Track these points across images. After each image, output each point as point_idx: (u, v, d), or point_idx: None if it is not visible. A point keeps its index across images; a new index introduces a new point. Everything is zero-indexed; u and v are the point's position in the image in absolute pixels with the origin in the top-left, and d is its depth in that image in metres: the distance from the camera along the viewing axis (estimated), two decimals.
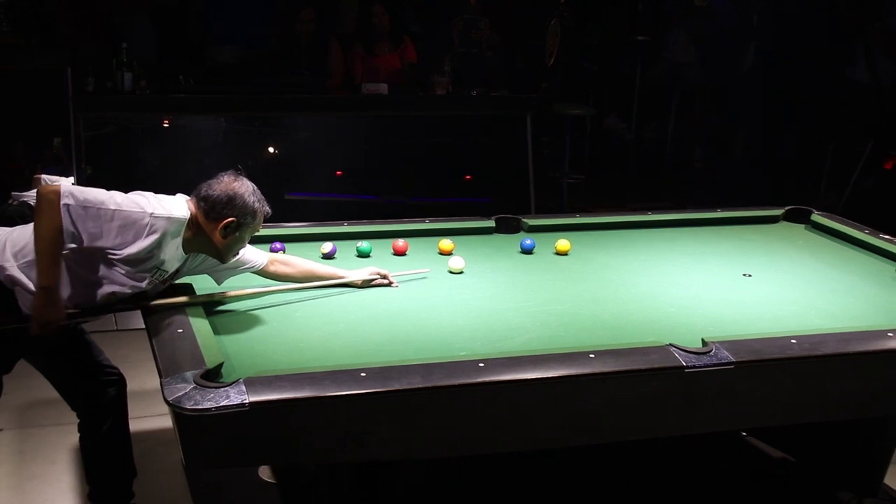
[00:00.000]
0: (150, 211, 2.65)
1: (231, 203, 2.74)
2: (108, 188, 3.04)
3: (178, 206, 2.73)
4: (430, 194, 6.19)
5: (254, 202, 2.78)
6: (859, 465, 3.41)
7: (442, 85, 6.43)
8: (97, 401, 3.01)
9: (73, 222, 2.58)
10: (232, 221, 2.74)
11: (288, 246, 3.42)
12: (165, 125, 5.88)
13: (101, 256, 2.67)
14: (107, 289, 2.72)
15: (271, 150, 6.09)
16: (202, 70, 6.23)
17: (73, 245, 2.62)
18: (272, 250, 3.39)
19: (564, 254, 3.57)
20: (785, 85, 7.86)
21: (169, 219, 2.67)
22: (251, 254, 3.02)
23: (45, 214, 2.58)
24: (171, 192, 3.50)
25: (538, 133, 6.77)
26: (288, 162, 6.06)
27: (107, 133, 5.67)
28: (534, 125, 6.45)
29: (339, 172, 6.20)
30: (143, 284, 2.75)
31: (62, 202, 2.56)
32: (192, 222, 2.75)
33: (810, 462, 3.65)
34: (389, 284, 3.17)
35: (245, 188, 2.78)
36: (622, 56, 8.72)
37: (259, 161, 5.97)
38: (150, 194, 2.76)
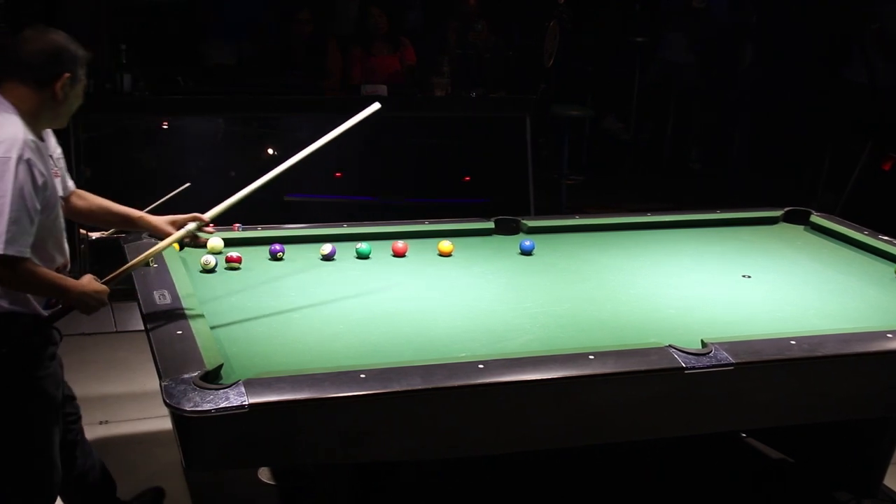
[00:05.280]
0: (10, 155, 2.37)
1: (59, 58, 2.50)
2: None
3: (12, 124, 2.44)
4: (430, 195, 6.18)
5: (76, 48, 2.54)
6: (858, 466, 3.42)
7: (441, 86, 6.43)
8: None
9: (11, 234, 2.35)
10: (68, 77, 2.51)
11: (287, 247, 3.42)
12: (164, 126, 5.86)
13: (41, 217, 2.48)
14: (60, 223, 2.63)
15: (270, 151, 6.08)
16: (200, 71, 6.21)
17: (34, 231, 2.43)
18: (272, 252, 3.39)
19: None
20: (782, 85, 7.86)
21: (23, 141, 2.41)
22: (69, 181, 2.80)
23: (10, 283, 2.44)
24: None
25: (537, 134, 6.77)
26: None
27: (105, 134, 5.65)
28: (533, 126, 6.45)
29: (338, 174, 6.19)
30: (60, 188, 2.64)
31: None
32: (25, 109, 2.48)
33: (809, 463, 3.66)
34: (205, 227, 2.87)
35: (61, 36, 2.54)
36: (619, 57, 8.73)
37: (257, 162, 5.96)
38: None
